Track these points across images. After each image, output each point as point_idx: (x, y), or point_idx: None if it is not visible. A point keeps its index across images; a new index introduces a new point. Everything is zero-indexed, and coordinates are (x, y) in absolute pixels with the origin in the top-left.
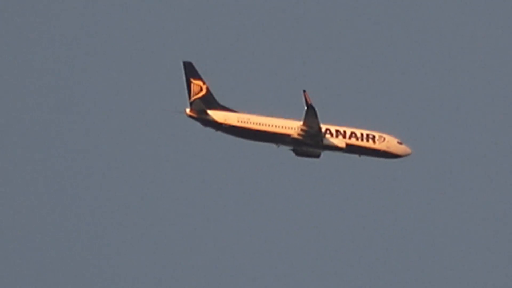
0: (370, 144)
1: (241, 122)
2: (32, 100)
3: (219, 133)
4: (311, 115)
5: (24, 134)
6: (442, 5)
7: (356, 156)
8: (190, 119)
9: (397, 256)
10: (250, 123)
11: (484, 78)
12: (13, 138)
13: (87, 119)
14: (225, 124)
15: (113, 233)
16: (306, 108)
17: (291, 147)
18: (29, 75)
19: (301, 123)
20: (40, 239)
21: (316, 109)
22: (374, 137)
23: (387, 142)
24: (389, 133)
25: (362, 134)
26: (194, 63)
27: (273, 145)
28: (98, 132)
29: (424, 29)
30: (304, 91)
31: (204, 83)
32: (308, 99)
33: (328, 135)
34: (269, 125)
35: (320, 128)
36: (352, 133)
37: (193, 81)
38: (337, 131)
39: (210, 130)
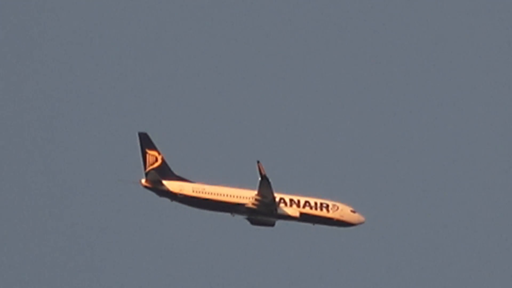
0: (323, 213)
1: (196, 192)
2: None
3: (174, 203)
4: (265, 186)
5: None
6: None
7: (310, 224)
8: (146, 190)
9: None
10: (205, 193)
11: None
12: None
13: (41, 193)
14: (180, 194)
15: None
16: (260, 178)
17: (246, 216)
18: None
19: (256, 193)
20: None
21: (270, 179)
22: (327, 206)
23: (341, 210)
24: (342, 202)
25: (316, 203)
26: (149, 134)
27: (228, 215)
28: (52, 202)
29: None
30: (258, 162)
31: (159, 153)
32: (262, 170)
33: (282, 204)
34: (223, 195)
35: (274, 198)
36: (306, 202)
37: (149, 151)
38: (291, 200)
39: (165, 200)
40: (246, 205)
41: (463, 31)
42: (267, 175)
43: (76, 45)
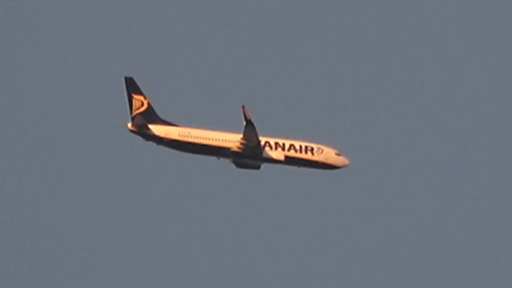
0: (308, 156)
1: (182, 136)
2: None
3: (161, 147)
4: (249, 130)
5: None
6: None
7: (295, 167)
8: (132, 134)
9: (335, 266)
10: (191, 137)
11: (417, 84)
12: None
13: (29, 135)
14: (166, 138)
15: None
16: (245, 123)
17: (232, 160)
18: None
19: (241, 136)
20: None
21: (255, 124)
22: (312, 149)
23: (325, 153)
24: (327, 145)
25: (300, 146)
26: (135, 79)
27: (214, 158)
28: (40, 146)
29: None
30: (243, 106)
31: (145, 98)
32: (247, 115)
33: (267, 148)
34: (209, 139)
35: (259, 142)
36: (291, 145)
37: (135, 96)
38: (276, 143)
39: (151, 144)
40: (232, 149)
41: (463, 31)
42: (252, 120)
43: None
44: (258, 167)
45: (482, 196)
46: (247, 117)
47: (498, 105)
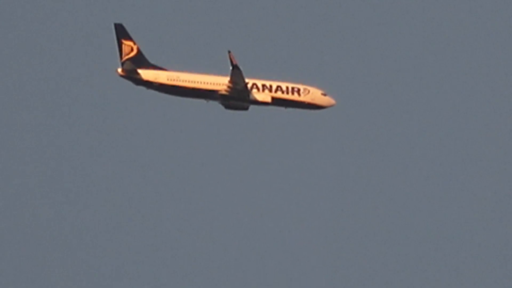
0: (295, 96)
1: (171, 80)
2: None
3: (151, 91)
4: (236, 74)
5: None
6: None
7: (283, 108)
8: (122, 79)
9: (323, 211)
10: (180, 80)
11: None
12: None
13: (20, 81)
14: (156, 83)
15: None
16: (231, 67)
17: (220, 102)
18: None
19: (228, 79)
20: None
21: (241, 68)
22: (299, 90)
23: (312, 94)
24: (313, 86)
25: (287, 88)
26: (124, 25)
27: (203, 101)
28: (32, 93)
29: None
30: (229, 51)
31: (134, 43)
32: (232, 60)
33: (254, 90)
34: (197, 82)
35: (246, 85)
36: (278, 86)
37: (124, 42)
38: (263, 85)
39: (141, 89)
40: (219, 92)
41: (463, 31)
42: (238, 64)
43: None
44: (247, 108)
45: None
46: (233, 62)
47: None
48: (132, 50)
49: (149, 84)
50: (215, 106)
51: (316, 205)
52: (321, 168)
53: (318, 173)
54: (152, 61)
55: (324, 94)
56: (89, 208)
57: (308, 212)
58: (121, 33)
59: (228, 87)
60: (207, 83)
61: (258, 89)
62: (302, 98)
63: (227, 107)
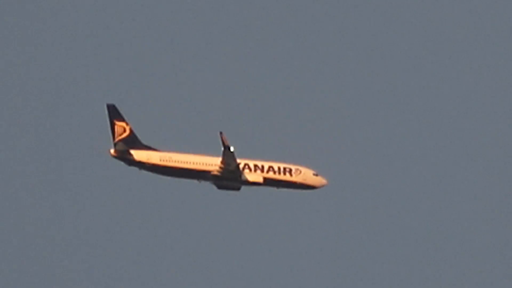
0: (287, 177)
1: (163, 160)
2: None
3: (143, 171)
4: (228, 155)
5: None
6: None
7: (275, 188)
8: (115, 159)
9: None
10: (172, 161)
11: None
12: None
13: (14, 159)
14: (148, 163)
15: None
16: (223, 148)
17: (212, 182)
18: None
19: (220, 160)
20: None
21: (232, 149)
22: (290, 170)
23: (303, 174)
24: (305, 166)
25: (279, 168)
26: (117, 106)
27: (195, 181)
28: (25, 173)
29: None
30: (221, 133)
31: (127, 124)
32: (224, 141)
33: (246, 170)
34: (190, 163)
35: (237, 166)
36: (269, 167)
37: (117, 122)
38: (255, 165)
39: (134, 169)
40: (212, 172)
41: (463, 31)
42: (230, 145)
43: (50, 20)
44: (239, 188)
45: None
46: (225, 143)
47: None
48: (124, 131)
49: (141, 165)
50: (208, 186)
51: (306, 284)
52: (313, 247)
53: (309, 253)
54: (144, 142)
55: (316, 174)
56: None
57: None
58: (114, 113)
59: (220, 167)
60: (199, 163)
61: (250, 169)
62: (294, 178)
63: (220, 187)
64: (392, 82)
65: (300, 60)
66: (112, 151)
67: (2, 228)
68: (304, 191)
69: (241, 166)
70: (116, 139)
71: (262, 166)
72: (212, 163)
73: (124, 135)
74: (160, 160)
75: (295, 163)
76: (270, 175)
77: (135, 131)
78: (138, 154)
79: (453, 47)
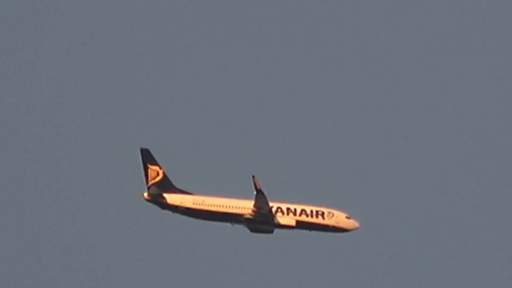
0: (319, 220)
1: (197, 204)
2: None
3: (176, 215)
4: (260, 199)
5: None
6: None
7: (307, 231)
8: (148, 203)
9: None
10: (205, 204)
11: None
12: None
13: (52, 205)
14: (182, 207)
15: None
16: (255, 192)
17: (245, 225)
18: None
19: (253, 203)
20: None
21: (265, 193)
22: (323, 213)
23: (336, 217)
24: (337, 209)
25: (311, 211)
26: (150, 150)
27: (228, 224)
28: (59, 218)
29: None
30: (253, 177)
31: (160, 168)
32: (257, 185)
33: (279, 214)
34: (223, 206)
35: (270, 209)
36: (302, 210)
37: (150, 166)
38: (287, 209)
39: (167, 213)
40: (245, 216)
41: (462, 31)
42: (262, 189)
43: (77, 60)
44: (272, 231)
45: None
46: (257, 187)
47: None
48: (158, 174)
49: (175, 208)
50: (241, 229)
51: None
52: None
53: None
54: (177, 186)
55: (348, 217)
56: None
57: None
58: (147, 157)
59: (253, 211)
60: (233, 207)
61: (282, 212)
62: (326, 221)
63: (253, 230)
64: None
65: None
66: (145, 194)
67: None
68: (336, 234)
69: (273, 209)
70: (150, 183)
71: (295, 209)
72: (245, 206)
73: (158, 178)
74: (194, 204)
75: (327, 206)
76: (303, 218)
77: (169, 175)
78: (171, 198)
79: (458, 47)
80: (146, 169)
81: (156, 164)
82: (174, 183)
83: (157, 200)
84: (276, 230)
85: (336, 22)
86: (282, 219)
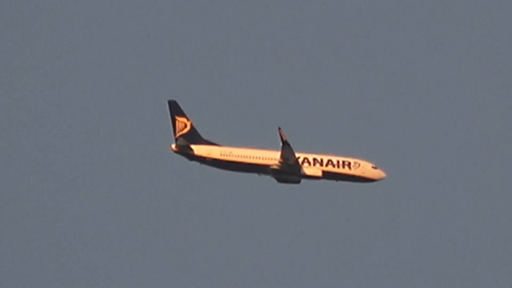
0: (346, 170)
1: (224, 155)
2: None
3: (204, 166)
4: (286, 150)
5: None
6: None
7: (334, 181)
8: (176, 154)
9: (374, 278)
10: (232, 155)
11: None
12: None
13: (76, 154)
14: (209, 158)
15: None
16: (281, 144)
17: (272, 176)
18: None
19: (279, 154)
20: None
21: (291, 144)
22: (349, 163)
23: (362, 167)
24: (363, 159)
25: (338, 161)
26: (178, 102)
27: (255, 175)
28: (89, 166)
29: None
30: (279, 128)
31: (188, 120)
32: (283, 136)
33: (306, 164)
34: (250, 157)
35: (296, 160)
36: (328, 160)
37: (178, 118)
38: (314, 159)
39: (195, 164)
40: (271, 167)
41: (462, 31)
42: (288, 140)
43: (104, 20)
44: (298, 181)
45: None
46: (283, 138)
47: None
48: (185, 126)
49: (202, 160)
50: (268, 180)
51: (368, 280)
52: (373, 242)
53: (370, 247)
54: (205, 137)
55: (375, 167)
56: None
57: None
58: (175, 109)
59: (280, 162)
60: (259, 158)
61: (309, 163)
62: (353, 171)
63: (280, 180)
64: (450, 81)
65: (357, 57)
66: (173, 146)
67: (63, 223)
68: (363, 183)
69: (300, 160)
70: (177, 135)
71: (321, 160)
72: (272, 157)
73: (185, 130)
74: (221, 155)
75: (354, 156)
76: (329, 168)
77: (196, 127)
78: (199, 149)
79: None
80: (173, 121)
81: (183, 115)
82: (201, 134)
83: (184, 151)
84: (303, 180)
85: (336, 22)
86: (308, 169)
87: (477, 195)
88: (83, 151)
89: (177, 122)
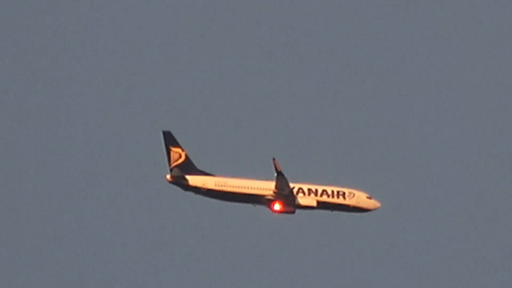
0: (340, 200)
1: (219, 185)
2: None
3: (199, 196)
4: (281, 180)
5: None
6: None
7: (328, 211)
8: (171, 184)
9: None
10: (227, 186)
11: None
12: None
13: (70, 184)
14: (204, 188)
15: None
16: (276, 174)
17: (267, 206)
18: None
19: (274, 184)
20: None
21: (285, 174)
22: (344, 193)
23: (357, 197)
24: (358, 189)
25: (332, 192)
26: (172, 132)
27: (250, 205)
28: (83, 197)
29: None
30: (274, 159)
31: (183, 150)
32: (277, 166)
33: (300, 194)
34: (244, 187)
35: (291, 191)
36: (323, 190)
37: (173, 149)
38: (309, 189)
39: (190, 194)
40: (266, 196)
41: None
42: (283, 171)
43: (99, 45)
44: (293, 212)
45: None
46: (278, 169)
47: None
48: (180, 156)
49: (197, 190)
50: (262, 210)
51: None
52: (367, 271)
53: (363, 276)
54: (199, 167)
55: (369, 197)
56: None
57: None
58: (170, 140)
59: (274, 192)
60: (254, 188)
61: (304, 193)
62: (348, 201)
63: (274, 211)
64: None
65: (351, 88)
66: (168, 176)
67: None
68: (357, 214)
69: (295, 190)
70: (172, 165)
71: (316, 190)
72: (267, 187)
73: (180, 161)
74: (216, 185)
75: (348, 186)
76: (324, 198)
77: (191, 157)
78: (193, 180)
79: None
80: (168, 152)
81: (178, 146)
82: (196, 165)
83: (179, 181)
84: (297, 211)
85: (335, 22)
86: (303, 199)
87: (473, 226)
88: (77, 182)
89: (171, 153)
